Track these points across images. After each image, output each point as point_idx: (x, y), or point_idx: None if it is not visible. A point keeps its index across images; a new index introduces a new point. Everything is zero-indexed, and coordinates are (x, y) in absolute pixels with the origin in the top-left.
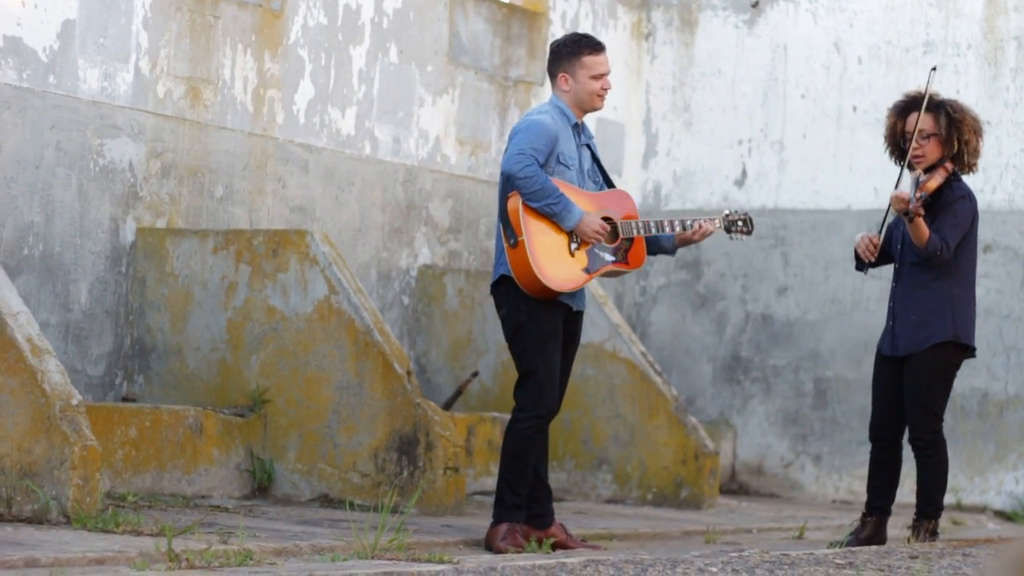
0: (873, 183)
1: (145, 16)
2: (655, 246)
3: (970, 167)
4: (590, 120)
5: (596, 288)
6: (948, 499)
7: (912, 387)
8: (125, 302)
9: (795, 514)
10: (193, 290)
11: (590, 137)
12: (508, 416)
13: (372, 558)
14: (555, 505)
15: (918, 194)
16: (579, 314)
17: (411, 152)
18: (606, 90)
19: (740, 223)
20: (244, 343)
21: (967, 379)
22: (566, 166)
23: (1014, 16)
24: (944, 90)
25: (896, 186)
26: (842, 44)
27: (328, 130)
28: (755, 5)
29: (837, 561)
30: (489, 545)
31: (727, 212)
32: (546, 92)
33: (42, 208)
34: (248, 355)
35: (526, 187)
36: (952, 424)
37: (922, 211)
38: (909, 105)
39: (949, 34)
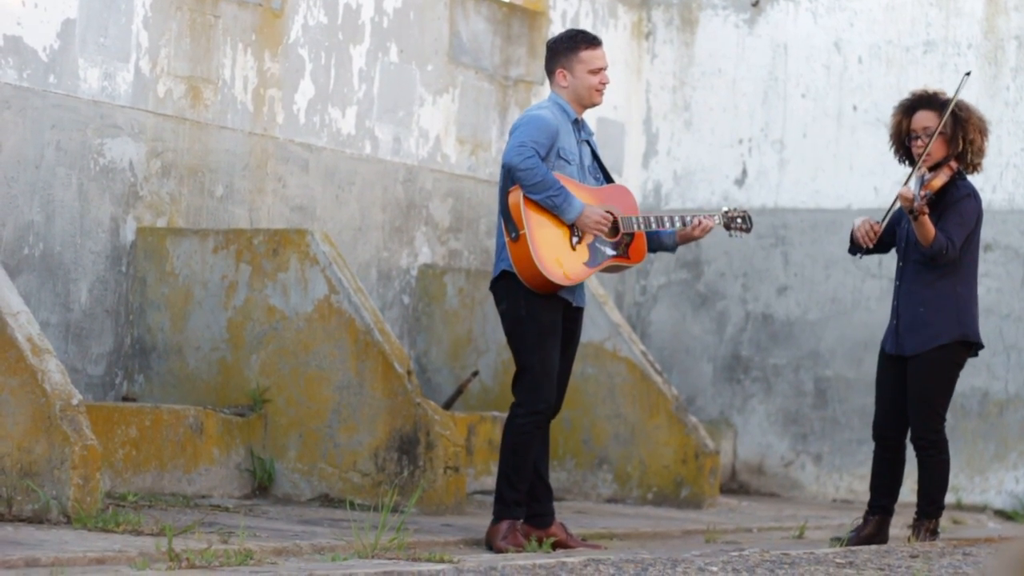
0: (873, 182)
1: (145, 16)
2: (656, 243)
3: (974, 166)
4: (590, 119)
5: (596, 287)
6: (948, 498)
7: (916, 387)
8: (125, 302)
9: (795, 513)
10: (193, 290)
11: (590, 134)
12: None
13: (372, 557)
14: (555, 504)
15: (922, 192)
16: (579, 311)
17: (411, 151)
18: (604, 84)
19: (739, 220)
20: (244, 342)
21: (967, 378)
22: (567, 161)
23: (1014, 15)
24: (944, 89)
25: (906, 183)
26: (842, 43)
27: (328, 129)
28: (755, 4)
29: (837, 560)
30: (489, 544)
31: (726, 209)
32: (546, 92)
33: (42, 207)
34: (248, 354)
35: (527, 179)
36: (952, 423)
37: (927, 209)
38: (915, 103)
39: (949, 33)
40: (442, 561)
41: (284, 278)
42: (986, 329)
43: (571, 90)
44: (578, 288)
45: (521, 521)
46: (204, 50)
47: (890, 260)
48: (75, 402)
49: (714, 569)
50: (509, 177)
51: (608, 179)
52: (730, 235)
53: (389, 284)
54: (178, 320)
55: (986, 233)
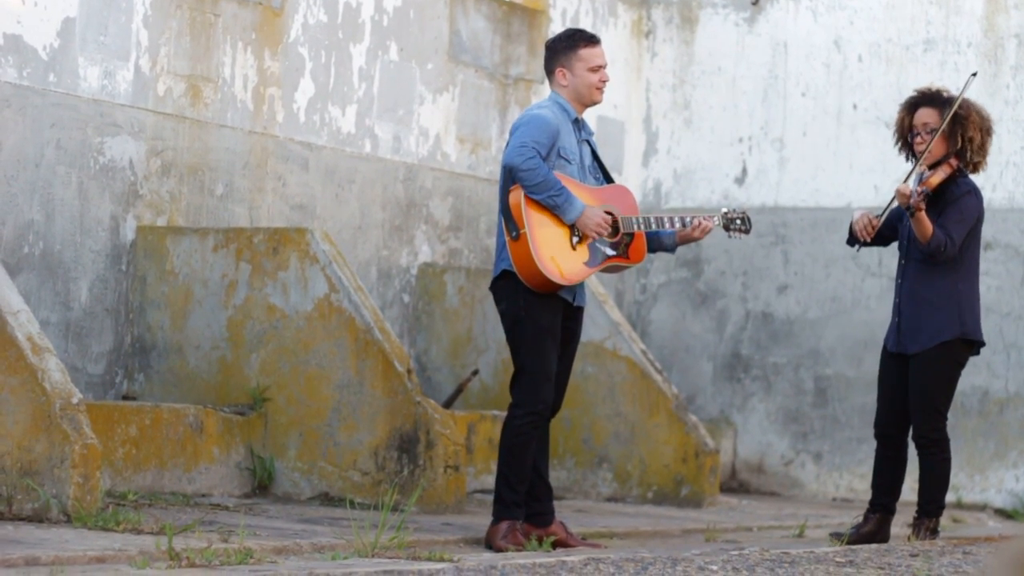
0: (873, 181)
1: (145, 14)
2: (656, 243)
3: (975, 165)
4: (590, 118)
5: (596, 286)
6: (948, 497)
7: (917, 385)
8: (125, 300)
9: (795, 512)
10: (193, 288)
11: (590, 133)
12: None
13: (372, 556)
14: (555, 503)
15: (919, 188)
16: (579, 310)
17: (411, 150)
18: (604, 82)
19: (738, 221)
20: (244, 341)
21: (968, 377)
22: (567, 160)
23: (1014, 13)
24: (947, 87)
25: (905, 180)
26: (842, 42)
27: (328, 128)
28: (755, 3)
29: (837, 559)
30: (489, 543)
31: (726, 210)
32: (546, 90)
33: (42, 206)
34: (248, 353)
35: (528, 179)
36: (953, 422)
37: (923, 206)
38: (918, 101)
39: (949, 32)
40: (442, 560)
41: (284, 277)
42: (986, 327)
43: (571, 89)
44: (578, 288)
45: (520, 521)
46: (204, 49)
47: (890, 259)
48: (75, 401)
49: (714, 568)
50: (510, 177)
51: (608, 179)
52: (729, 236)
53: (389, 283)
54: (178, 319)
55: (986, 231)
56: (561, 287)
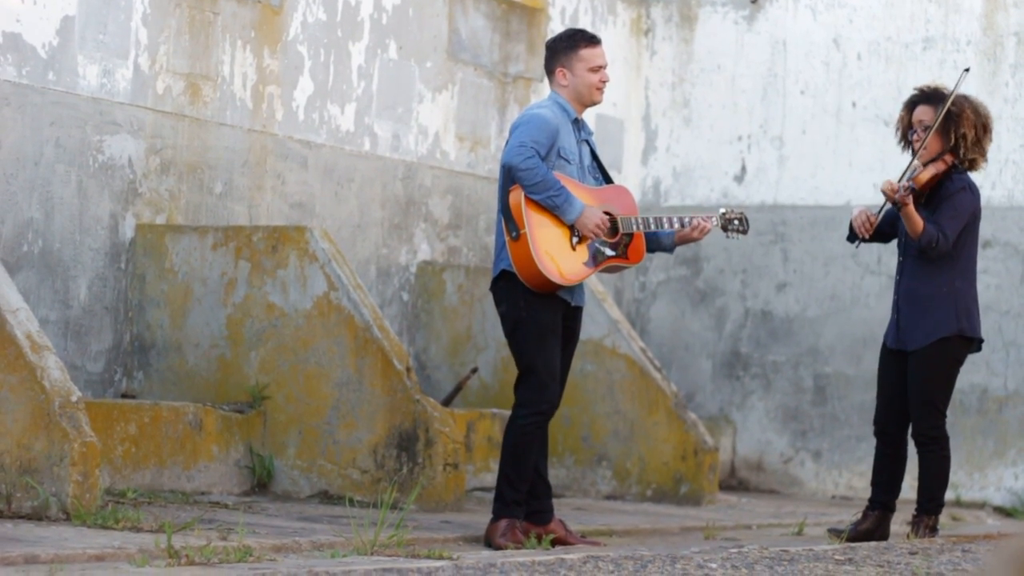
0: (872, 179)
1: (144, 12)
2: (654, 243)
3: (972, 162)
4: (589, 116)
5: (595, 284)
6: (947, 495)
7: (916, 382)
8: (124, 298)
9: (795, 510)
10: (192, 286)
11: (589, 133)
12: (508, 412)
13: (371, 554)
14: (554, 501)
15: (904, 184)
16: (578, 310)
17: (410, 148)
18: (604, 83)
19: (736, 222)
20: (243, 339)
21: (967, 375)
22: (567, 160)
23: (1013, 12)
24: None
25: (901, 177)
26: (841, 40)
27: (327, 126)
28: (755, 1)
29: (836, 557)
30: (489, 541)
31: (724, 211)
32: (545, 89)
33: (41, 204)
34: (248, 351)
35: (527, 179)
36: (952, 420)
37: (908, 200)
38: (917, 99)
39: (949, 30)
40: (441, 558)
41: (283, 275)
42: (985, 325)
43: (571, 89)
44: (577, 288)
45: (520, 519)
46: (203, 47)
47: (890, 257)
48: (74, 399)
49: (713, 566)
50: (509, 177)
51: (607, 179)
52: (727, 237)
53: (388, 281)
54: (177, 317)
55: (985, 229)
56: (560, 287)
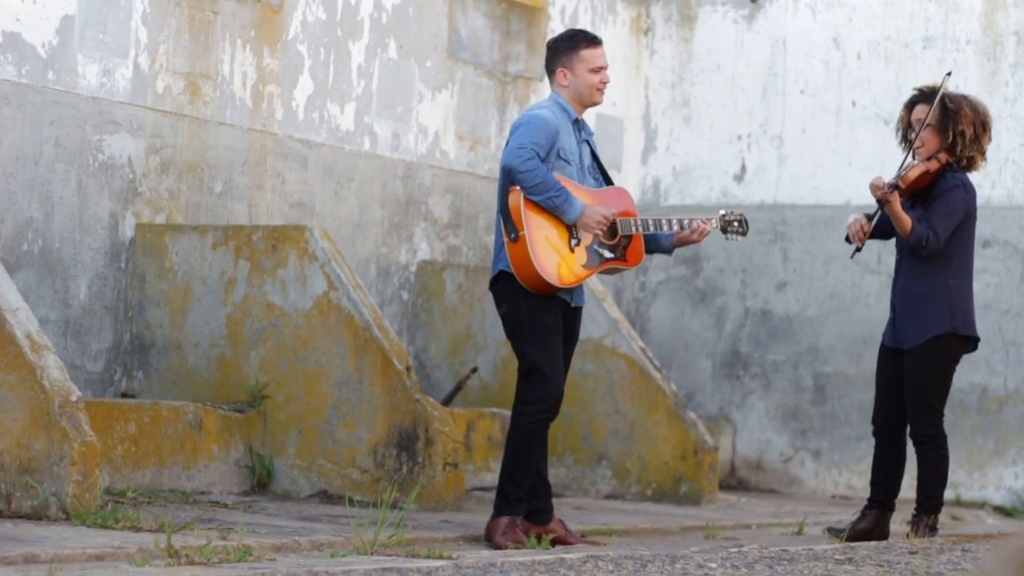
0: (872, 178)
1: (144, 12)
2: (653, 245)
3: (969, 160)
4: (589, 115)
5: (595, 284)
6: (947, 494)
7: (911, 381)
8: (124, 298)
9: (794, 510)
10: (192, 286)
11: (590, 134)
12: (508, 412)
13: (371, 554)
14: (554, 501)
15: (890, 181)
16: (578, 310)
17: (410, 148)
18: (605, 83)
19: (736, 223)
20: (243, 339)
21: (966, 374)
22: (567, 161)
23: (1013, 11)
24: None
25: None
26: (841, 39)
27: (327, 126)
28: (754, 0)
29: (836, 557)
30: (489, 538)
31: (723, 212)
32: (545, 88)
33: (41, 204)
34: (247, 351)
35: (527, 180)
36: (951, 419)
37: (891, 198)
38: (916, 98)
39: (948, 29)
40: (441, 557)
41: (283, 274)
42: (985, 325)
43: (572, 89)
44: (577, 288)
45: (520, 517)
46: (203, 46)
47: (889, 256)
48: (74, 398)
49: (713, 566)
50: (508, 178)
51: (607, 179)
52: (727, 238)
53: (388, 280)
54: (177, 316)
55: (985, 229)
56: (559, 289)
